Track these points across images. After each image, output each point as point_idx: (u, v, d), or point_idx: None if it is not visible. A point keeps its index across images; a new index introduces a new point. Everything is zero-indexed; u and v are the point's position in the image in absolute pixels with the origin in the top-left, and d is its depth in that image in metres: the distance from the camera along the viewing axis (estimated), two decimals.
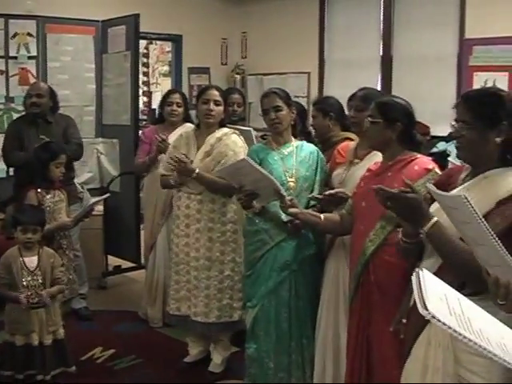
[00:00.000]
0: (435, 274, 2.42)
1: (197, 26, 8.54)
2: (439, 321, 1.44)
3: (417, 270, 1.80)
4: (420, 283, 1.66)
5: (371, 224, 3.19)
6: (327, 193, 3.69)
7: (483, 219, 1.95)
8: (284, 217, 3.75)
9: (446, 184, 2.57)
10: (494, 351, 1.46)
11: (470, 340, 1.45)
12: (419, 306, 1.48)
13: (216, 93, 4.42)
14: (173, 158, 4.31)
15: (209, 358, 4.71)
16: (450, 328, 1.45)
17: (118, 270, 6.81)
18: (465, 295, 2.28)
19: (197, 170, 4.25)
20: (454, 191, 2.53)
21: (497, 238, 1.92)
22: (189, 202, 4.39)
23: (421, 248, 2.63)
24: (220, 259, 4.37)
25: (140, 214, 6.31)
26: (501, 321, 1.91)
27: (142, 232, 6.06)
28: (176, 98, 5.49)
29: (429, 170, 3.13)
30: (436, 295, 1.64)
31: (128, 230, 6.47)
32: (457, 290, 2.31)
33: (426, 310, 1.47)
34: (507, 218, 2.29)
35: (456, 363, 2.31)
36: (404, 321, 2.65)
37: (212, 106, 4.36)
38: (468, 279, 2.32)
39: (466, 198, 1.96)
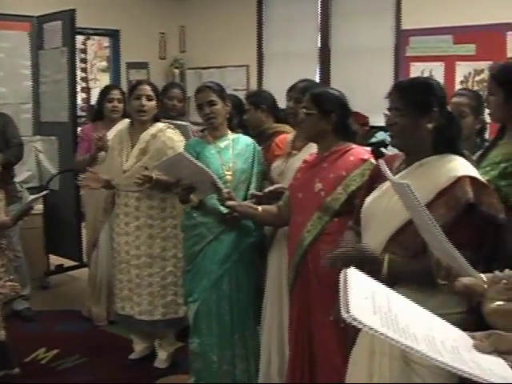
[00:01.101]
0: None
1: (134, 20, 8.49)
2: (360, 322, 1.46)
3: (344, 269, 1.82)
4: (346, 283, 1.67)
5: (308, 215, 3.23)
6: (267, 190, 3.70)
7: (424, 206, 2.00)
8: (223, 209, 3.74)
9: (380, 173, 2.61)
10: (418, 348, 1.47)
11: (393, 339, 1.46)
12: (342, 308, 1.49)
13: (148, 88, 4.36)
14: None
15: (154, 354, 4.69)
16: (371, 329, 1.46)
17: (60, 269, 6.72)
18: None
19: (154, 177, 4.08)
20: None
21: (437, 225, 1.98)
22: (127, 200, 4.36)
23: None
24: (161, 255, 4.35)
25: (80, 212, 6.24)
26: (435, 306, 1.96)
27: (84, 230, 6.00)
28: (116, 93, 5.45)
29: (364, 161, 3.18)
30: (361, 294, 1.65)
31: (69, 228, 6.38)
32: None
33: (348, 312, 1.48)
34: (452, 209, 2.36)
35: None
36: None
37: (144, 101, 4.30)
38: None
39: (409, 186, 2.02)
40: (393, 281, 2.46)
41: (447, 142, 2.56)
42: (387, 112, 2.64)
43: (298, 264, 3.27)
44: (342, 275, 1.70)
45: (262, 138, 4.27)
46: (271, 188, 3.69)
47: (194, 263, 3.91)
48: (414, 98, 2.55)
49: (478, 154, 3.06)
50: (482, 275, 2.00)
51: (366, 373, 2.52)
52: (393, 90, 2.64)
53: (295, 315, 3.36)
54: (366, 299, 1.62)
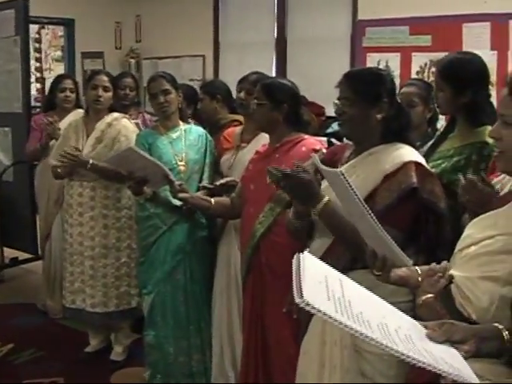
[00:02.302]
0: (326, 252, 2.50)
1: (89, 9, 8.37)
2: (314, 308, 1.43)
3: (297, 254, 1.81)
4: (299, 268, 1.65)
5: (260, 206, 3.23)
6: (218, 183, 3.71)
7: (357, 193, 2.01)
8: (174, 201, 3.73)
9: (331, 162, 2.62)
10: (372, 335, 1.47)
11: (347, 325, 1.46)
12: (295, 293, 1.47)
13: (105, 78, 4.35)
14: (63, 153, 4.18)
15: (110, 347, 4.67)
16: (325, 315, 1.44)
17: (15, 262, 6.62)
18: (357, 269, 2.36)
19: (90, 161, 4.14)
20: (341, 169, 2.59)
21: (371, 212, 1.99)
22: (81, 190, 4.32)
23: (310, 228, 2.69)
24: (116, 246, 4.33)
25: (35, 204, 6.16)
26: (386, 294, 1.96)
27: (39, 222, 5.93)
28: (69, 83, 5.39)
29: (316, 151, 3.17)
30: (315, 279, 1.63)
31: (23, 220, 6.28)
32: (349, 264, 2.39)
33: (301, 297, 1.45)
34: (394, 192, 2.39)
35: (352, 335, 2.37)
36: None
37: (101, 92, 4.30)
38: (358, 254, 2.39)
39: (343, 174, 2.03)
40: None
41: (396, 133, 2.58)
42: (337, 101, 2.65)
43: (250, 255, 3.28)
44: (295, 259, 1.68)
45: (216, 128, 4.26)
46: (222, 181, 3.69)
47: (147, 254, 3.90)
48: (364, 88, 2.57)
49: (430, 143, 3.09)
50: (416, 268, 2.01)
51: (318, 362, 2.54)
52: (343, 79, 2.65)
53: (248, 307, 3.37)
54: (320, 284, 1.61)
